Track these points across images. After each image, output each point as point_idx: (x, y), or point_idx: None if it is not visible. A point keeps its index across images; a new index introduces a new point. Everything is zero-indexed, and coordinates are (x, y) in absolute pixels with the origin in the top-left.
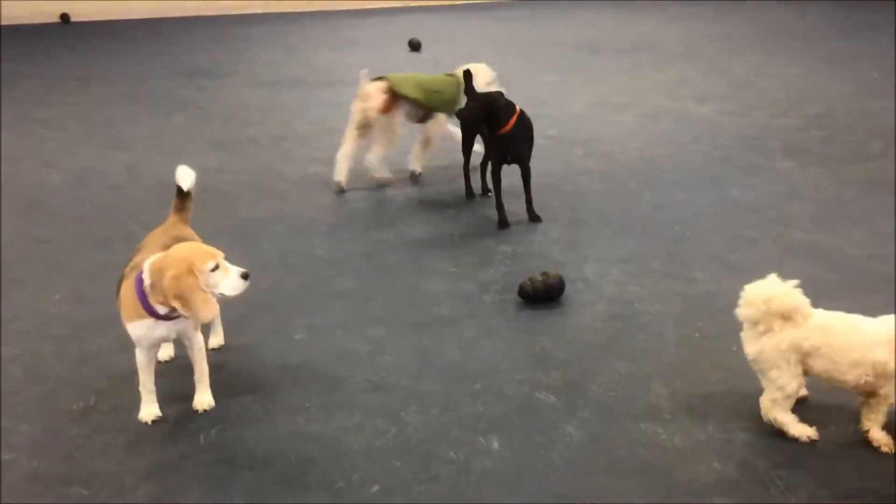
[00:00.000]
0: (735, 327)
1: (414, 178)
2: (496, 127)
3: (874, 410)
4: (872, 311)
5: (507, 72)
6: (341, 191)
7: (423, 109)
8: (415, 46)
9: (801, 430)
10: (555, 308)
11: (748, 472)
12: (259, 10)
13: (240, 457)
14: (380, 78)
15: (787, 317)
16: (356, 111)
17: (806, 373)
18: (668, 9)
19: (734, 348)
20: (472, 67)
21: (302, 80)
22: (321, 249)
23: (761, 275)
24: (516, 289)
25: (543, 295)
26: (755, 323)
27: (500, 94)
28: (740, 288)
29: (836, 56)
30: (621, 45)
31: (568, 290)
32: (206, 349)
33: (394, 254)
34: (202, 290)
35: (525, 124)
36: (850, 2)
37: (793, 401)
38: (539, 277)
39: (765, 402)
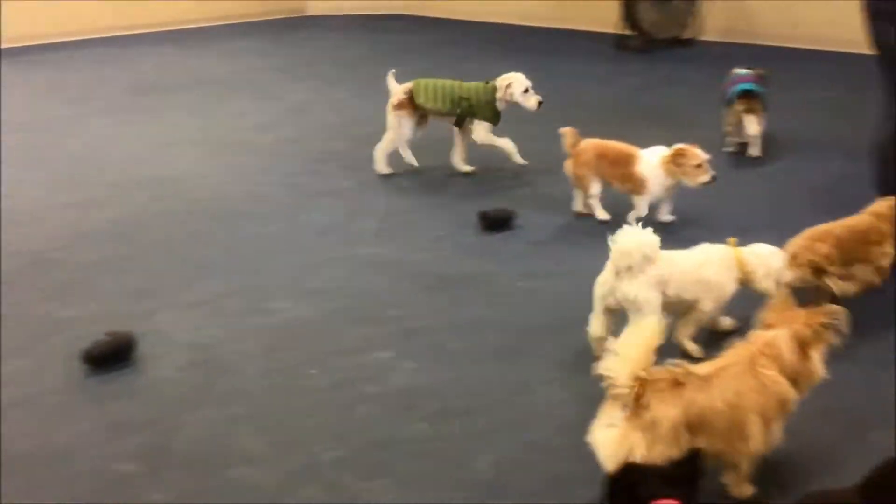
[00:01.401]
0: (314, 351)
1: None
2: None
3: (688, 323)
4: (437, 311)
5: (53, 120)
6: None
7: (449, 116)
8: None
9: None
10: (128, 368)
11: (335, 492)
12: None
13: None
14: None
15: (651, 258)
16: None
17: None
18: (221, 44)
19: (313, 371)
20: (508, 77)
21: None
22: None
23: (336, 296)
24: (81, 356)
25: (112, 356)
26: (630, 268)
27: None
28: (318, 312)
29: (381, 79)
30: (177, 82)
31: (141, 345)
32: None
33: None
34: None
35: None
36: (389, 24)
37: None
38: (105, 338)
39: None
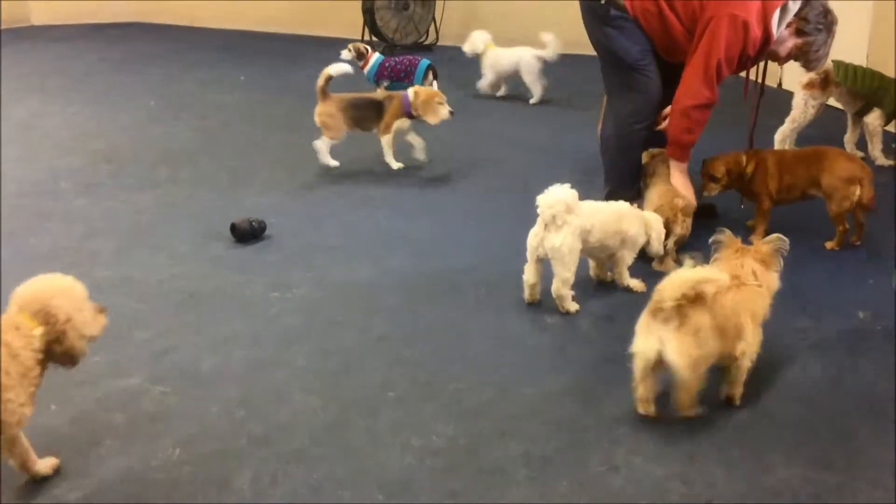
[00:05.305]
0: (50, 384)
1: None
2: None
3: (618, 267)
4: (188, 330)
5: None
6: None
7: (860, 99)
8: None
9: (574, 306)
10: None
11: None
12: None
13: None
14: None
15: (572, 210)
16: None
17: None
18: None
19: (53, 407)
20: None
21: None
22: None
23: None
24: None
25: None
26: (554, 219)
27: None
28: None
29: (114, 89)
30: None
31: None
32: None
33: None
34: None
35: None
36: (121, 32)
37: (573, 279)
38: None
39: (557, 283)
